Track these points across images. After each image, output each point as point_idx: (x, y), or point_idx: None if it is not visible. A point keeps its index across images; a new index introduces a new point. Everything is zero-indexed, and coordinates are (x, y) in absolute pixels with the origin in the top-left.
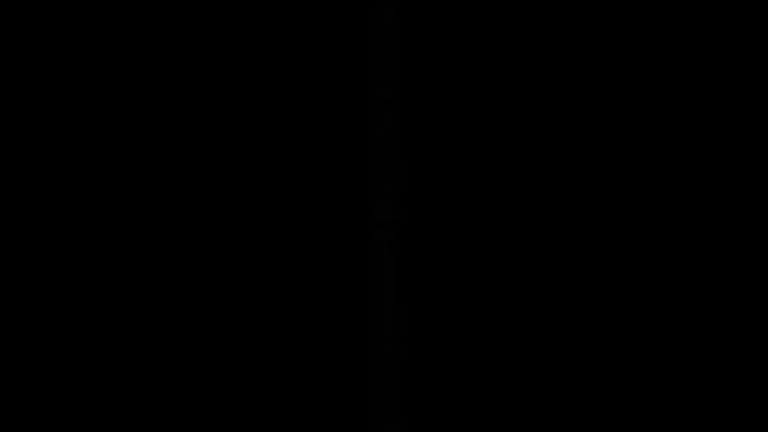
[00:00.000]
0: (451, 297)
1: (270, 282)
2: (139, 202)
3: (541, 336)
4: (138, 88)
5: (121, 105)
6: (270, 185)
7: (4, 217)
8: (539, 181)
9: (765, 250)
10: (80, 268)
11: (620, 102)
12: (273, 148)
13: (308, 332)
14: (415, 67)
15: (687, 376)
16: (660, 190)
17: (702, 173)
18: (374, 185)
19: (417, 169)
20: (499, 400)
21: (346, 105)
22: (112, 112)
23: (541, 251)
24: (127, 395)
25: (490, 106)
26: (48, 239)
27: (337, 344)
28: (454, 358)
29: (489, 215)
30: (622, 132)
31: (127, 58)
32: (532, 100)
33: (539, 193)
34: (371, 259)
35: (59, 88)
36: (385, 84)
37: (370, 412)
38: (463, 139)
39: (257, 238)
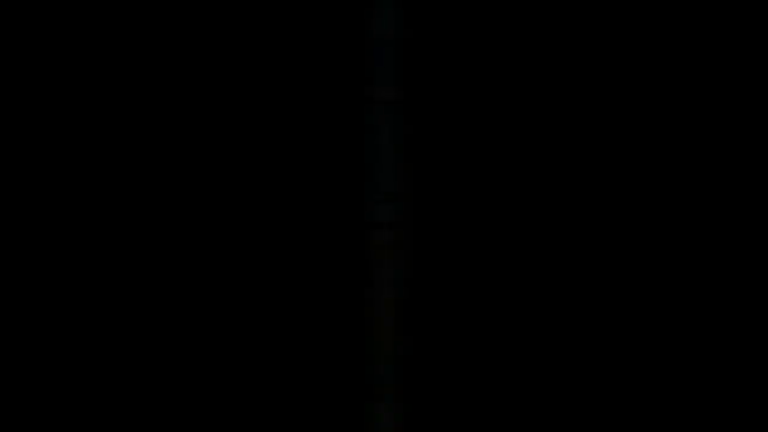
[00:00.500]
0: (450, 297)
1: (267, 283)
2: (133, 203)
3: (541, 337)
4: (134, 88)
5: (113, 103)
6: (269, 186)
7: (3, 217)
8: (540, 181)
9: (765, 250)
10: (69, 266)
11: (617, 99)
12: (272, 148)
13: (307, 333)
14: (415, 66)
15: (694, 378)
16: (666, 194)
17: (703, 173)
18: (374, 185)
19: (417, 169)
20: (498, 400)
21: (345, 105)
22: (102, 110)
23: (542, 252)
24: (122, 394)
25: (492, 106)
26: (42, 239)
27: (335, 345)
28: (455, 358)
29: (490, 215)
30: (619, 129)
31: (120, 56)
32: (532, 100)
33: (540, 193)
34: (370, 259)
35: (55, 88)
36: (385, 84)
37: (369, 414)
38: (464, 139)
39: (255, 239)
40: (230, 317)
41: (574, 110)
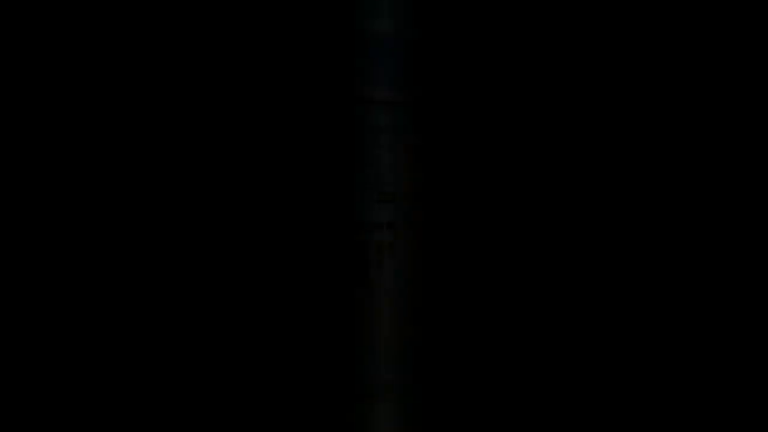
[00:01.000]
0: (450, 297)
1: (266, 283)
2: (128, 204)
3: (541, 338)
4: (132, 90)
5: (105, 104)
6: (268, 186)
7: (4, 217)
8: (541, 179)
9: (765, 250)
10: (60, 266)
11: (614, 97)
12: (271, 149)
13: (306, 333)
14: (416, 66)
15: (694, 378)
16: (670, 194)
17: (704, 174)
18: (374, 185)
19: (416, 170)
20: (498, 400)
21: (345, 105)
22: (96, 110)
23: (543, 252)
24: (119, 393)
25: (492, 107)
26: (41, 239)
27: (334, 345)
28: (455, 358)
29: (489, 215)
30: (617, 128)
31: (116, 56)
32: (533, 100)
33: (540, 191)
34: (370, 259)
35: (55, 88)
36: (385, 84)
37: (369, 414)
38: (464, 139)
39: (253, 240)
40: (229, 318)
41: (577, 111)
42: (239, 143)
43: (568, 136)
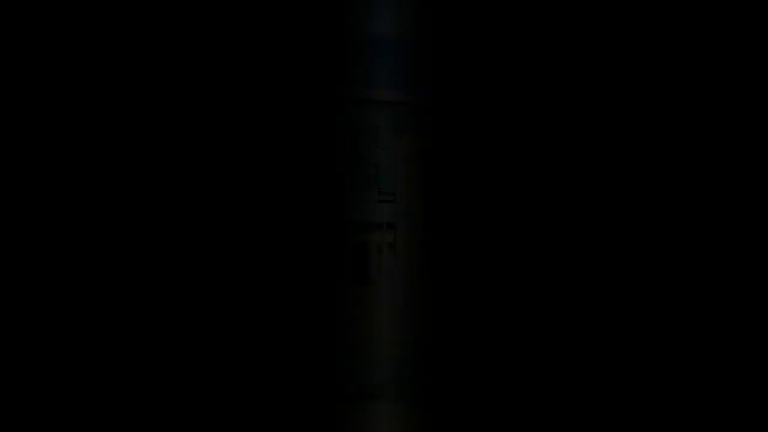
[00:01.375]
0: (450, 297)
1: (266, 283)
2: (122, 206)
3: (540, 337)
4: (126, 90)
5: (100, 104)
6: (268, 187)
7: (4, 217)
8: (538, 179)
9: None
10: (54, 267)
11: (610, 97)
12: (271, 150)
13: (306, 333)
14: (416, 67)
15: (695, 378)
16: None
17: (704, 174)
18: (374, 186)
19: (417, 170)
20: (498, 399)
21: (345, 106)
22: (85, 110)
23: (543, 251)
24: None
25: (493, 108)
26: (41, 239)
27: (334, 344)
28: (454, 358)
29: (489, 215)
30: (617, 128)
31: (108, 57)
32: (535, 101)
33: (538, 191)
34: (370, 259)
35: (55, 88)
36: (386, 84)
37: (369, 414)
38: (464, 140)
39: (254, 241)
40: (229, 320)
41: (576, 110)
42: (240, 144)
43: (567, 136)
